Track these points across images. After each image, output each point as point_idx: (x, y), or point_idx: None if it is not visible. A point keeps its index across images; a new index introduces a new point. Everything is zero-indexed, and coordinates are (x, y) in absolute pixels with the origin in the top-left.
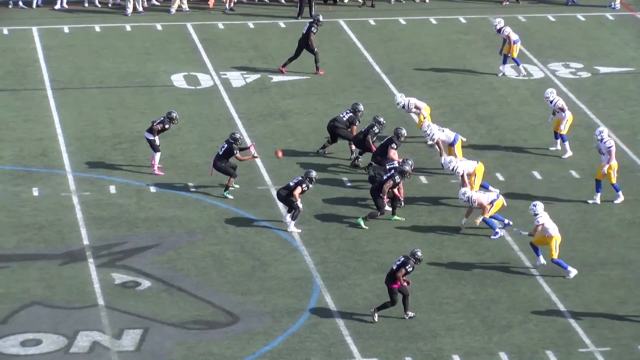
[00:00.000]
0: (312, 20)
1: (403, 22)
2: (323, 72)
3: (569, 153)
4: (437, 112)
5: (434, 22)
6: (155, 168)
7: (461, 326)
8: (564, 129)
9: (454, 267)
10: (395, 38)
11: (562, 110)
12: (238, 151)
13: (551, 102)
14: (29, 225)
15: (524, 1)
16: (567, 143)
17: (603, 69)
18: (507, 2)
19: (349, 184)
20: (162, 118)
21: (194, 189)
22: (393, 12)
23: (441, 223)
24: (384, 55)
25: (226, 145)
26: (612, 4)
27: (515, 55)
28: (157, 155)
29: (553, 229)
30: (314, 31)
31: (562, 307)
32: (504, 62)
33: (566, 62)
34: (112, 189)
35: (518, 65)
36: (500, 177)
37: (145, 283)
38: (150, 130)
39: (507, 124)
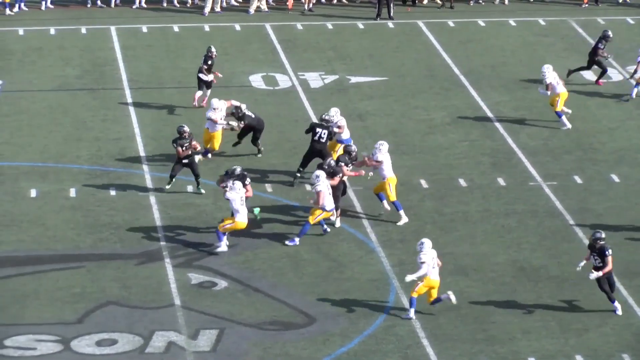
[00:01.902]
0: (601, 36)
1: (482, 23)
2: (602, 83)
3: (568, 126)
4: (516, 114)
5: (513, 23)
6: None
7: (537, 329)
8: (558, 105)
9: (531, 270)
10: (474, 40)
11: (548, 88)
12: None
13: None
14: (106, 224)
15: (604, 3)
16: (563, 117)
17: None
18: (587, 4)
19: (425, 186)
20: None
21: (270, 190)
22: (472, 14)
23: (518, 225)
24: (463, 56)
25: None
26: None
27: None
28: (199, 93)
29: (387, 171)
30: (601, 47)
31: (638, 310)
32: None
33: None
34: (189, 188)
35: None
36: (579, 180)
37: (222, 283)
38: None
39: (585, 127)
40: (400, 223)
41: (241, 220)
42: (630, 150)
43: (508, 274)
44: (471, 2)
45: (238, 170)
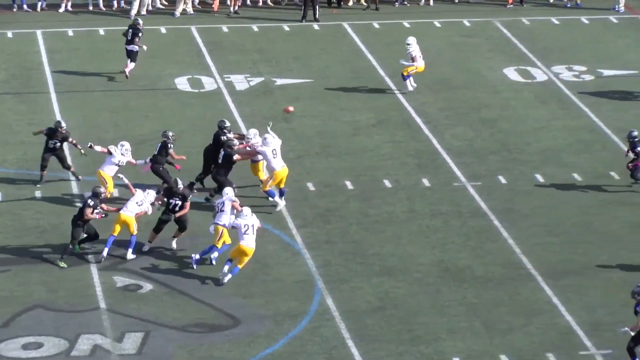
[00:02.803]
0: None
1: (407, 25)
2: None
3: (410, 88)
4: (441, 114)
5: (438, 25)
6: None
7: (462, 329)
8: (411, 72)
9: (456, 270)
10: (400, 41)
11: (414, 60)
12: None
13: (407, 48)
14: (32, 228)
15: (528, 4)
16: (407, 81)
17: (607, 72)
18: (512, 5)
19: (351, 188)
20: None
21: (196, 191)
22: (397, 15)
23: (443, 226)
24: (388, 58)
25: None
26: (617, 6)
27: None
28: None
29: (274, 163)
30: None
31: (563, 310)
32: None
33: (570, 65)
34: (115, 192)
35: None
36: (503, 180)
37: (147, 286)
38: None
39: (510, 127)
40: (278, 209)
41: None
42: (555, 150)
43: (433, 275)
44: (396, 3)
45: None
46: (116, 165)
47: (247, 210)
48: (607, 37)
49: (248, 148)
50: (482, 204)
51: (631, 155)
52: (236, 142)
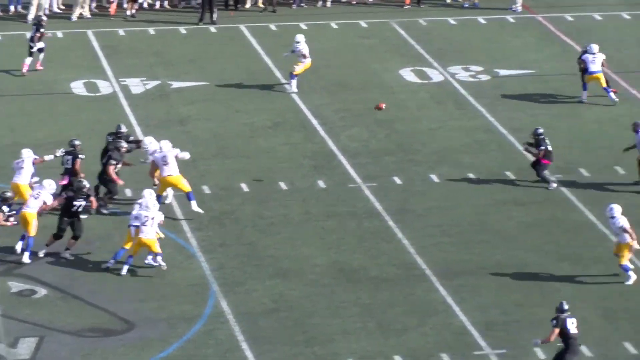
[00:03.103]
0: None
1: (304, 26)
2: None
3: (295, 89)
4: (337, 116)
5: (334, 26)
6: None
7: (357, 330)
8: (298, 70)
9: (351, 271)
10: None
11: (304, 56)
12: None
13: (296, 47)
14: None
15: (425, 5)
16: (294, 81)
17: (503, 72)
18: (409, 6)
19: (246, 190)
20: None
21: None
22: (294, 17)
23: (338, 227)
24: (284, 60)
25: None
26: (513, 6)
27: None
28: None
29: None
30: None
31: (457, 310)
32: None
33: (466, 65)
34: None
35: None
36: (398, 181)
37: (42, 291)
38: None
39: (406, 128)
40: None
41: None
42: (450, 151)
43: (328, 276)
44: (293, 5)
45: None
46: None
47: (151, 202)
48: (503, 37)
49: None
50: (377, 205)
51: (534, 151)
52: (124, 144)
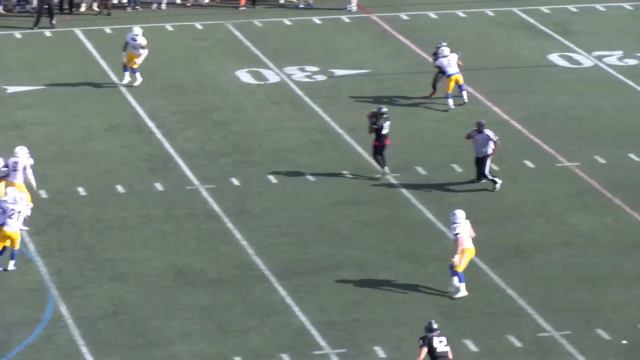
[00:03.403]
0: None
1: (139, 29)
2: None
3: (130, 80)
4: (173, 118)
5: (170, 28)
6: None
7: (196, 332)
8: (138, 62)
9: (190, 273)
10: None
11: (143, 47)
12: None
13: (134, 40)
14: None
15: (260, 6)
16: (138, 74)
17: (338, 72)
18: (244, 7)
19: (84, 194)
20: None
21: None
22: (129, 20)
23: (176, 229)
24: (120, 63)
25: None
26: (348, 6)
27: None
28: None
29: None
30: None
31: (297, 310)
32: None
33: (302, 65)
34: None
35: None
36: (236, 182)
37: None
38: None
39: (242, 129)
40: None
41: None
42: (287, 151)
43: (167, 278)
44: (128, 8)
45: None
46: None
47: (17, 196)
48: (338, 37)
49: None
50: (215, 206)
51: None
52: None
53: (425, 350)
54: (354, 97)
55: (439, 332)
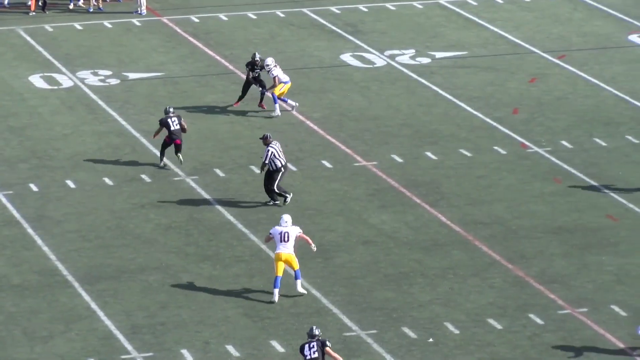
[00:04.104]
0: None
1: None
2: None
3: None
4: None
5: None
6: None
7: (3, 339)
8: None
9: None
10: None
11: None
12: None
13: None
14: None
15: (50, 11)
16: None
17: (132, 75)
18: (34, 12)
19: None
20: None
21: None
22: None
23: None
24: None
25: None
26: (139, 9)
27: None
28: None
29: None
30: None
31: (102, 315)
32: (276, 101)
33: (95, 69)
34: None
35: (275, 102)
36: (35, 188)
37: None
38: None
39: (39, 134)
40: None
41: None
42: (85, 155)
43: None
44: None
45: None
46: None
47: None
48: (130, 40)
49: None
50: (15, 213)
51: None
52: None
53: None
54: (148, 100)
55: (319, 338)
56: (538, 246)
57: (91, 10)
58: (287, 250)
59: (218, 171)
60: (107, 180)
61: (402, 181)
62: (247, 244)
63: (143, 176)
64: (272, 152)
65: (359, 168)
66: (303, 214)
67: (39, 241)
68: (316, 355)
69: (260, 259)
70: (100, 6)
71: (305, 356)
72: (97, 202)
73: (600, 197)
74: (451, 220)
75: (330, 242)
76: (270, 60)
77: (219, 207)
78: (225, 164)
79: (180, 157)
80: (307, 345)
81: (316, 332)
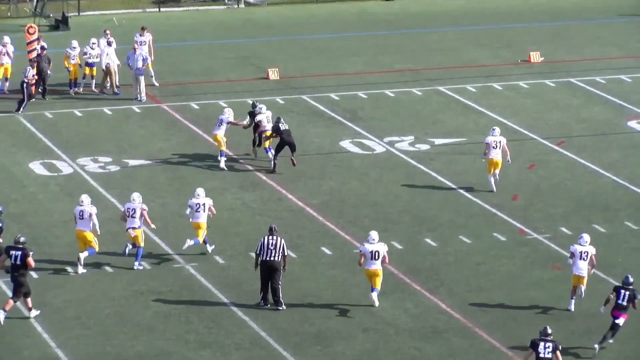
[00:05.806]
0: None
1: None
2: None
3: None
4: None
5: None
6: None
7: None
8: None
9: None
10: None
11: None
12: None
13: None
14: None
15: (50, 97)
16: None
17: (132, 162)
18: (34, 99)
19: None
20: None
21: None
22: None
23: None
24: None
25: None
26: (138, 96)
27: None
28: None
29: None
30: None
31: None
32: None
33: (95, 156)
34: None
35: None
36: (35, 275)
37: None
38: None
39: (38, 221)
40: None
41: None
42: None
43: None
44: None
45: None
46: None
47: None
48: (129, 126)
49: None
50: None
51: None
52: None
53: (530, 352)
54: (149, 186)
55: (551, 337)
56: (537, 333)
57: (118, 92)
58: (374, 267)
59: (218, 258)
60: (106, 267)
61: (401, 267)
62: (247, 332)
63: (143, 263)
64: None
65: (359, 254)
66: (302, 301)
67: (39, 328)
68: (550, 355)
69: (260, 346)
70: (117, 90)
71: (538, 353)
72: (96, 289)
73: (598, 283)
74: (451, 308)
75: (330, 330)
76: (264, 107)
77: (219, 294)
78: (225, 250)
79: None
80: (542, 343)
81: (549, 331)
